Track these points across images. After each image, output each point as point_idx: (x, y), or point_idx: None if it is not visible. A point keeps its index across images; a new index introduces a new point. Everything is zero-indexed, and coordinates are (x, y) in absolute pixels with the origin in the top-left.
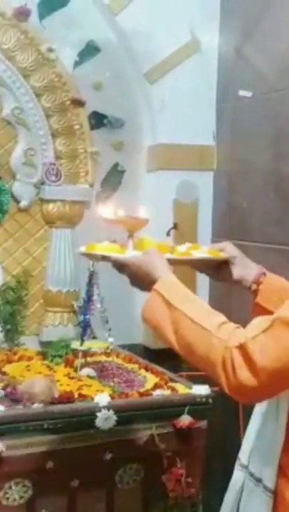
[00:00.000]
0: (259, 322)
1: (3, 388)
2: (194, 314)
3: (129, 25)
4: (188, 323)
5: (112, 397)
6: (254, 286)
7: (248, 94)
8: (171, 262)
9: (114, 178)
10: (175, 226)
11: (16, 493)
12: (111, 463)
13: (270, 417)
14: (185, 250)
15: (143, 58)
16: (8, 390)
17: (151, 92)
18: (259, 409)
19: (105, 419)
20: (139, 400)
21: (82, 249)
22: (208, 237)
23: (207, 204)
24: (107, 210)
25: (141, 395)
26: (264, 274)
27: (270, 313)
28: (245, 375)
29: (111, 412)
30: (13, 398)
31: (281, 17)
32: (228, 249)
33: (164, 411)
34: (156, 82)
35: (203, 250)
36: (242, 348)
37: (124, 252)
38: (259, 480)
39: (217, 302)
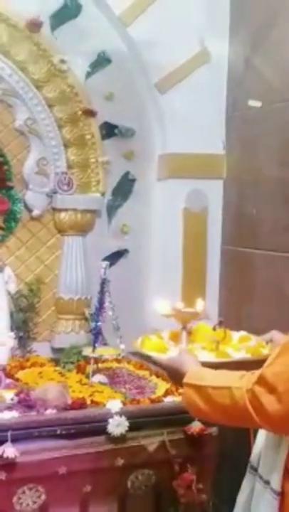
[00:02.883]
0: (270, 357)
1: (17, 394)
2: (215, 382)
3: (140, 36)
4: (212, 391)
5: (124, 404)
6: None
7: (258, 104)
8: (210, 365)
9: (125, 187)
10: (221, 323)
11: (29, 498)
12: (123, 468)
13: None
14: (238, 340)
15: (153, 69)
16: (22, 396)
17: (162, 102)
18: None
19: (117, 426)
20: (151, 407)
21: (138, 343)
22: (217, 245)
23: (217, 212)
24: (162, 304)
25: (152, 401)
26: None
27: None
28: (271, 403)
29: (123, 418)
30: (26, 404)
31: None
32: (275, 338)
33: (175, 417)
34: (167, 92)
35: (250, 344)
36: (260, 380)
37: (166, 350)
38: (267, 482)
39: (227, 312)
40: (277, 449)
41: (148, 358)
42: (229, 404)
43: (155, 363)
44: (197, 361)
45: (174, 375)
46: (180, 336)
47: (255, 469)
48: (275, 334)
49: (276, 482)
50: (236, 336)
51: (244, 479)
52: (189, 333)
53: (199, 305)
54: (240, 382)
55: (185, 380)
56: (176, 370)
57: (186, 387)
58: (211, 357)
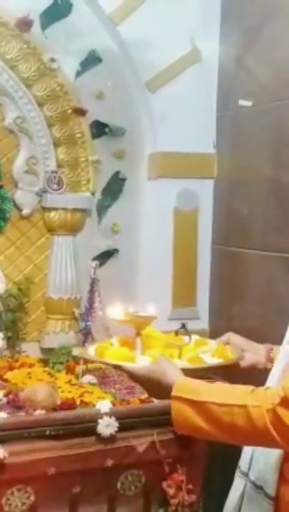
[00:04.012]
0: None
1: (6, 395)
2: (220, 398)
3: (131, 35)
4: (217, 409)
5: (114, 404)
6: (269, 365)
7: (248, 103)
8: (184, 371)
9: (115, 186)
10: (183, 326)
11: (18, 499)
12: (112, 469)
13: None
14: (192, 346)
15: (144, 68)
16: (11, 396)
17: (152, 101)
18: None
19: (107, 426)
20: (140, 407)
21: (92, 352)
22: (208, 244)
23: (207, 212)
24: (115, 310)
25: (142, 401)
26: (271, 349)
27: None
28: None
29: (112, 418)
30: (15, 405)
31: (281, 27)
32: (232, 340)
33: (165, 418)
34: (157, 91)
35: (211, 347)
36: (284, 401)
37: (134, 359)
38: (260, 487)
39: (217, 313)
40: (272, 452)
41: (117, 367)
42: (243, 425)
43: (127, 373)
44: (179, 370)
45: (154, 387)
46: (133, 344)
47: (246, 474)
48: (232, 336)
49: (270, 487)
50: (191, 342)
51: (233, 484)
52: (143, 340)
53: (151, 309)
54: (256, 399)
55: (174, 393)
56: (158, 381)
57: (176, 401)
58: (185, 364)
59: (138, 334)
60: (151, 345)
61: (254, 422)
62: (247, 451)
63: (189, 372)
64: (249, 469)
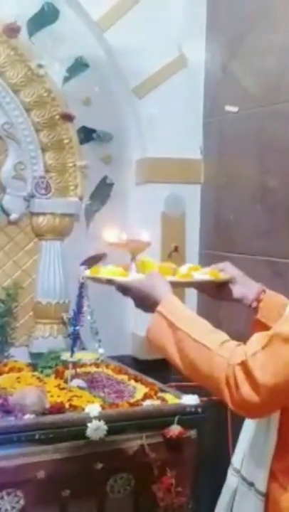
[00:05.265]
0: (257, 339)
1: None
2: (196, 333)
3: (118, 42)
4: (191, 343)
5: (103, 408)
6: (255, 304)
7: (234, 109)
8: (173, 284)
9: (103, 191)
10: (176, 249)
11: (8, 503)
12: (102, 472)
13: (262, 422)
14: (186, 272)
15: (131, 74)
16: (0, 401)
17: (139, 107)
18: None
19: (96, 430)
20: (130, 410)
21: (87, 272)
22: (195, 249)
23: (194, 217)
24: (110, 233)
25: (131, 405)
26: (264, 291)
27: (270, 329)
28: (247, 392)
29: (102, 422)
30: (4, 409)
31: (266, 35)
32: (227, 269)
33: (154, 421)
34: (144, 97)
35: (204, 271)
36: (243, 365)
37: (127, 275)
38: (251, 484)
39: (205, 314)
40: (262, 450)
41: (109, 282)
42: (203, 368)
43: (117, 288)
44: (169, 287)
45: (143, 299)
46: (127, 268)
47: (238, 471)
48: (229, 265)
49: (261, 483)
50: (184, 268)
51: (225, 481)
52: (138, 266)
53: (145, 235)
54: (225, 350)
55: (159, 308)
56: (146, 293)
57: (158, 315)
58: (173, 278)
59: (133, 259)
60: (146, 270)
61: (213, 370)
62: (240, 449)
63: (178, 286)
64: (241, 466)
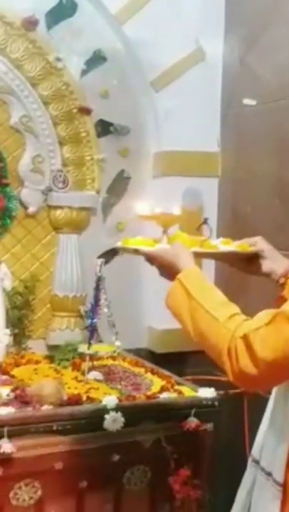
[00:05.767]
0: (264, 315)
1: (13, 391)
2: (209, 305)
3: (136, 35)
4: (203, 313)
5: (120, 400)
6: (282, 280)
7: (253, 102)
8: (198, 255)
9: (120, 185)
10: (205, 221)
11: (26, 493)
12: (119, 464)
13: (278, 413)
14: (214, 244)
15: (149, 67)
16: (18, 392)
17: (157, 100)
18: (270, 405)
19: (113, 421)
20: (146, 403)
21: (119, 243)
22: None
23: (212, 210)
24: (142, 206)
25: (148, 397)
26: None
27: None
28: (246, 364)
29: (119, 414)
30: (22, 400)
31: (284, 28)
32: (259, 244)
33: (171, 413)
34: (162, 90)
35: (235, 245)
36: (245, 338)
37: (154, 245)
38: (269, 474)
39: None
40: (279, 440)
41: (136, 252)
42: (210, 338)
43: (144, 257)
44: (192, 257)
45: (165, 268)
46: (159, 241)
47: (257, 462)
48: (260, 240)
49: (279, 473)
50: (216, 241)
51: (245, 472)
52: (169, 239)
53: (175, 209)
54: (232, 323)
55: (179, 276)
56: (169, 262)
57: (178, 283)
58: (198, 248)
59: (164, 232)
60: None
61: (218, 341)
62: (259, 439)
63: (203, 257)
64: (260, 457)
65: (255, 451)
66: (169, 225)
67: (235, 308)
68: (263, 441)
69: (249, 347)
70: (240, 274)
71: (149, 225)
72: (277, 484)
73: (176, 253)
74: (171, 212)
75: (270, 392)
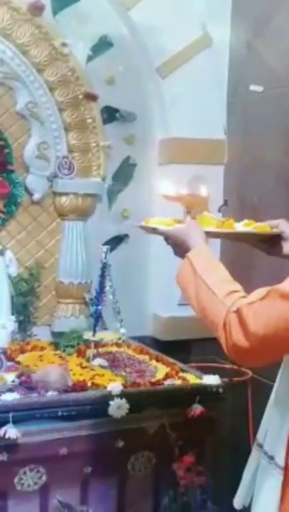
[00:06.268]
0: (259, 291)
1: (18, 377)
2: (211, 281)
3: (142, 20)
4: (205, 289)
5: (125, 386)
6: None
7: (259, 89)
8: (215, 234)
9: (125, 172)
10: (226, 203)
11: (31, 479)
12: (123, 450)
13: (281, 398)
14: (242, 225)
15: (155, 53)
16: (23, 378)
17: (163, 86)
18: (274, 391)
19: (118, 408)
20: (151, 389)
21: (140, 223)
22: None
23: (218, 197)
24: (167, 186)
25: (152, 384)
26: None
27: None
28: (238, 337)
29: (123, 400)
30: (27, 386)
31: None
32: (281, 226)
33: (175, 400)
34: (168, 76)
35: (254, 226)
36: (238, 312)
37: (173, 225)
38: (272, 458)
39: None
40: (281, 424)
41: (154, 230)
42: (210, 312)
43: (161, 234)
44: (204, 236)
45: (178, 246)
46: (182, 221)
47: (261, 446)
48: (283, 222)
49: (280, 457)
50: (239, 224)
51: (250, 456)
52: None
53: (203, 190)
54: (230, 299)
55: (188, 254)
56: (182, 241)
57: (187, 261)
58: (213, 228)
59: (188, 213)
60: (203, 223)
61: (216, 316)
62: (263, 424)
63: (220, 236)
64: (264, 441)
65: (259, 435)
66: (192, 206)
67: (236, 286)
68: (267, 426)
69: (242, 321)
70: (245, 255)
71: (158, 210)
72: (278, 468)
73: (188, 232)
74: (198, 193)
75: (275, 379)
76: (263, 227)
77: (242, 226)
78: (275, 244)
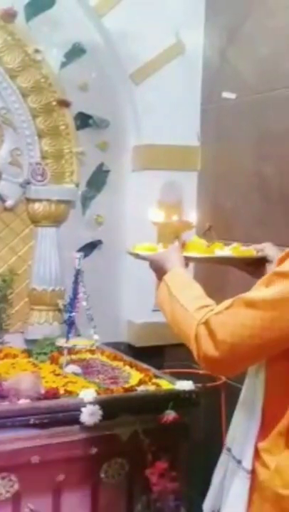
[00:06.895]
0: (226, 301)
1: None
2: (184, 299)
3: (115, 27)
4: (178, 307)
5: (98, 393)
6: None
7: (232, 96)
8: (196, 259)
9: (99, 178)
10: (210, 228)
11: (2, 487)
12: (96, 457)
13: (247, 403)
14: (229, 249)
15: (128, 60)
16: None
17: (137, 93)
18: (241, 396)
19: (90, 415)
20: (124, 396)
21: (129, 249)
22: (192, 236)
23: (191, 204)
24: (155, 213)
25: (126, 390)
26: None
27: None
28: (208, 347)
29: (96, 407)
30: None
31: (264, 21)
32: (265, 250)
33: (149, 406)
34: (142, 83)
35: (239, 250)
36: (207, 323)
37: (156, 250)
38: (239, 462)
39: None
40: (248, 429)
41: (137, 256)
42: (184, 328)
43: (143, 259)
44: (181, 260)
45: (158, 271)
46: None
47: (229, 450)
48: (268, 246)
49: (247, 461)
50: (228, 247)
51: (219, 460)
52: (183, 245)
53: (192, 216)
54: (199, 312)
55: (165, 276)
56: (161, 265)
57: (163, 283)
58: (195, 253)
59: (176, 238)
60: (190, 249)
61: (188, 330)
62: (231, 429)
63: (199, 261)
64: (232, 445)
65: (228, 439)
66: (180, 232)
67: (208, 301)
68: (235, 431)
69: (210, 331)
70: (218, 276)
71: (131, 216)
72: (246, 471)
73: (166, 257)
74: (187, 219)
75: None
76: (248, 251)
77: (230, 250)
78: (260, 267)
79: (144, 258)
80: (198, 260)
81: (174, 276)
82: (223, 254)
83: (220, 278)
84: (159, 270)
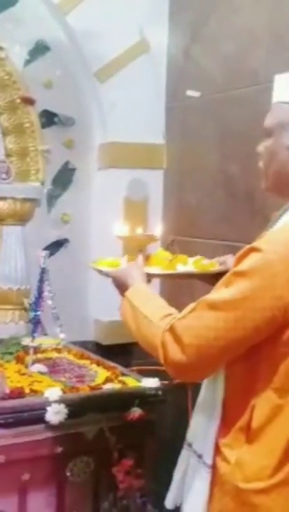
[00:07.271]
0: (189, 306)
1: None
2: (148, 311)
3: (79, 25)
4: (142, 318)
5: (64, 392)
6: None
7: (196, 94)
8: (158, 276)
9: (65, 176)
10: (173, 242)
11: None
12: (62, 456)
13: (207, 399)
14: (192, 262)
15: (93, 58)
16: None
17: (101, 91)
18: (202, 392)
19: (56, 413)
20: (90, 394)
21: (92, 263)
22: (157, 234)
23: (157, 202)
24: (119, 227)
25: (92, 388)
26: None
27: None
28: (174, 352)
29: (62, 405)
30: None
31: (228, 19)
32: (227, 262)
33: (114, 404)
34: (106, 81)
35: (201, 264)
36: (171, 329)
37: (118, 266)
38: (200, 456)
39: (168, 297)
40: (208, 424)
41: (100, 272)
42: (149, 339)
43: (106, 275)
44: (143, 276)
45: (120, 286)
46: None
47: (190, 445)
48: (229, 258)
49: (208, 456)
50: (191, 260)
51: (180, 456)
52: (147, 258)
53: (157, 230)
54: (163, 321)
55: (126, 292)
56: (123, 281)
57: (125, 299)
58: (157, 269)
59: (140, 252)
60: (153, 262)
61: (154, 339)
62: (192, 424)
63: (161, 277)
64: (193, 441)
65: (189, 435)
66: (144, 245)
67: (171, 310)
68: (195, 426)
69: (176, 336)
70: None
71: (97, 214)
72: (206, 466)
73: (128, 273)
74: (152, 232)
75: None
76: (210, 264)
77: (192, 264)
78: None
79: (106, 274)
80: (160, 276)
81: (136, 291)
82: (185, 269)
83: (186, 290)
84: (122, 286)
